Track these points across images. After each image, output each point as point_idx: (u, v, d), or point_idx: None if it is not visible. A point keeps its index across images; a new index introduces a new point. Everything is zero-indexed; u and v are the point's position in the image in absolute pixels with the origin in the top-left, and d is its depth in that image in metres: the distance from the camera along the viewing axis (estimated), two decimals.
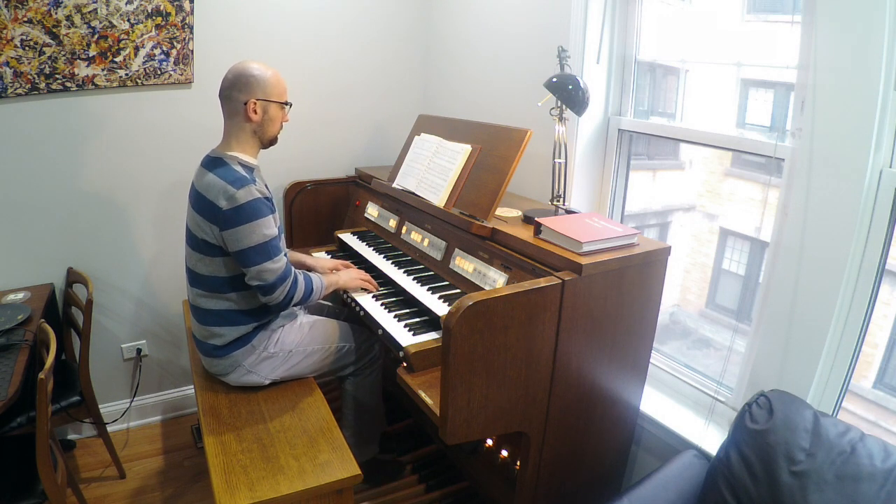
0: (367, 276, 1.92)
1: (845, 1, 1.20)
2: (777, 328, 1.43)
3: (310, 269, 1.98)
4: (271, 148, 1.72)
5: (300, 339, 1.77)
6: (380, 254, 2.05)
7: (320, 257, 2.19)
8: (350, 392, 1.94)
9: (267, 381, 1.74)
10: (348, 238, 2.26)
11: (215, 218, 1.53)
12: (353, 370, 1.91)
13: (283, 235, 1.72)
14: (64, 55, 1.97)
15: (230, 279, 1.63)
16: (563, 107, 1.66)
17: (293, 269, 1.66)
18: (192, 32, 2.15)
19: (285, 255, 1.64)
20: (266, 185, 1.65)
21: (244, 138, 1.63)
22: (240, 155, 1.62)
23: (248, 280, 1.58)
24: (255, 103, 1.58)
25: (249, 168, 1.61)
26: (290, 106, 1.68)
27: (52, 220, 2.14)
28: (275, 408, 1.68)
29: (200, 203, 1.56)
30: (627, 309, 1.48)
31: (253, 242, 1.53)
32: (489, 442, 1.88)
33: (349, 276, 1.89)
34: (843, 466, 1.15)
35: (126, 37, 2.05)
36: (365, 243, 2.18)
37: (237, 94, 1.58)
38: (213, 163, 1.59)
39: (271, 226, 1.57)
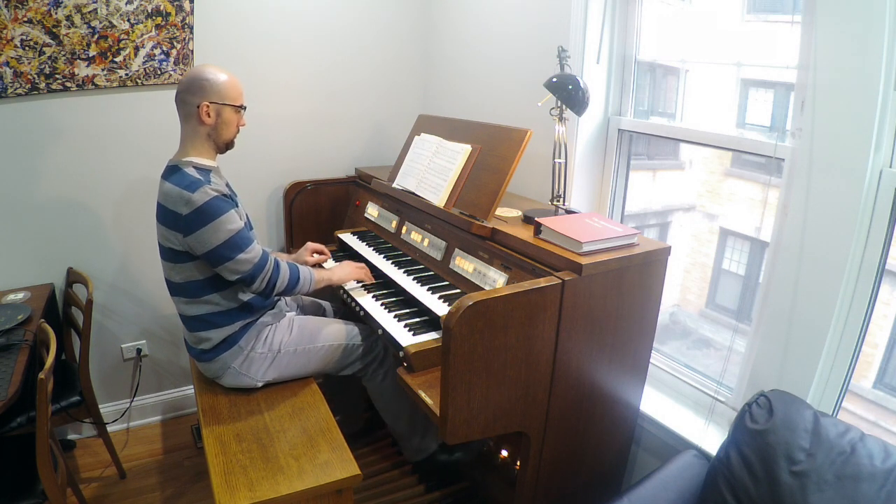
0: (363, 266, 1.91)
1: (845, 1, 1.19)
2: (777, 328, 1.43)
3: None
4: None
5: (288, 339, 1.76)
6: (380, 254, 2.05)
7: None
8: (377, 393, 1.92)
9: (260, 384, 1.73)
10: (348, 238, 2.26)
11: (177, 225, 1.52)
12: (361, 367, 1.89)
13: (252, 229, 1.71)
14: (64, 55, 1.97)
15: (206, 282, 1.63)
16: (563, 107, 1.66)
17: (270, 255, 1.65)
18: (192, 32, 2.15)
19: (258, 244, 1.64)
20: (227, 185, 1.64)
21: (199, 142, 1.62)
22: (195, 159, 1.61)
23: (228, 276, 1.58)
24: (207, 106, 1.57)
25: (205, 170, 1.59)
26: (245, 109, 1.66)
27: (52, 220, 2.14)
28: (274, 408, 1.68)
29: (161, 213, 1.57)
30: (627, 309, 1.48)
31: (220, 240, 1.52)
32: (489, 442, 1.88)
33: (343, 271, 1.87)
34: (843, 466, 1.15)
35: (126, 37, 2.05)
36: (365, 243, 2.18)
37: (190, 97, 1.57)
38: (169, 171, 1.59)
39: (235, 220, 1.55)
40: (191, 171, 1.56)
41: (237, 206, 1.61)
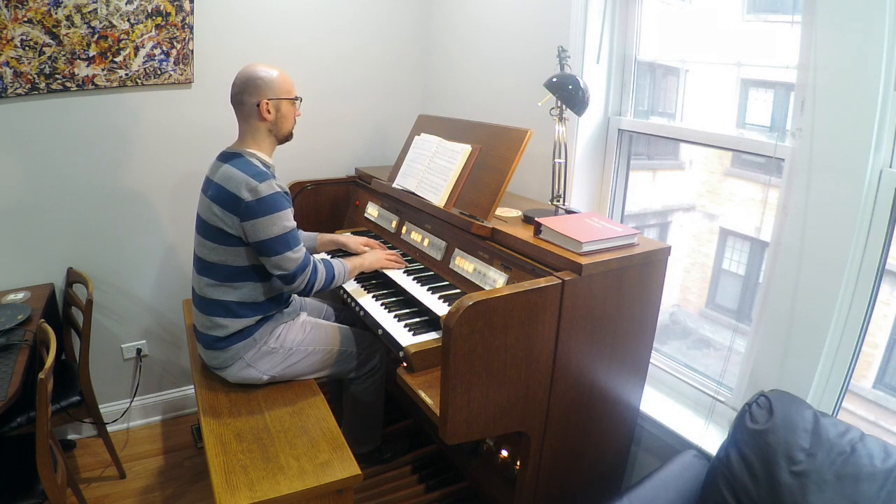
0: (395, 254, 1.95)
1: (845, 1, 1.20)
2: (777, 328, 1.43)
3: (342, 245, 2.05)
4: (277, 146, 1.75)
5: (301, 338, 1.78)
6: None
7: (349, 235, 2.18)
8: (352, 393, 1.95)
9: (265, 378, 1.74)
10: None
11: (237, 209, 1.55)
12: (355, 376, 1.92)
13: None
14: (64, 55, 1.97)
15: (242, 270, 1.65)
16: (563, 107, 1.66)
17: (312, 257, 1.70)
18: (192, 32, 2.15)
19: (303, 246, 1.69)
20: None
21: (260, 137, 1.67)
22: (257, 153, 1.66)
23: (270, 269, 1.62)
24: (267, 103, 1.62)
25: (267, 165, 1.65)
26: (301, 100, 1.73)
27: (52, 220, 2.14)
28: (275, 408, 1.68)
29: (219, 193, 1.58)
30: (627, 309, 1.48)
31: (274, 233, 1.56)
32: (489, 442, 1.88)
33: (375, 257, 1.91)
34: (843, 466, 1.15)
35: (126, 37, 2.05)
36: None
37: (248, 97, 1.62)
38: (232, 156, 1.63)
39: (291, 218, 1.61)
40: (256, 161, 1.62)
41: (292, 206, 1.65)
